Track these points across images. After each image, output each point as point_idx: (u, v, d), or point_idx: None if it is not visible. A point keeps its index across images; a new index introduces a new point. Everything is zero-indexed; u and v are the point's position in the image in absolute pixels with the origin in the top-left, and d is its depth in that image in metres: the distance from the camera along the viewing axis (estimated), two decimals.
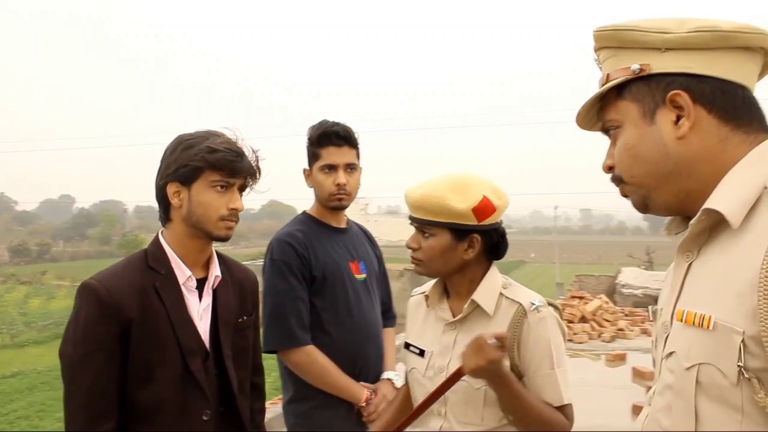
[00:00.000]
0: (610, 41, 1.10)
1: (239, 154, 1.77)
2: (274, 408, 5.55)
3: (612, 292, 17.99)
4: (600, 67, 1.16)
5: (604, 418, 5.49)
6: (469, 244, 1.78)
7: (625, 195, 1.14)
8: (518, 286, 1.85)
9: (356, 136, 2.47)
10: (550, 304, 1.80)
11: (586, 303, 10.78)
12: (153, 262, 1.78)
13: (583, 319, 9.98)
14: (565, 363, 1.77)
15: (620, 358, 7.78)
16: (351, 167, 2.45)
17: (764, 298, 0.86)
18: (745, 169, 0.98)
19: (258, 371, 2.04)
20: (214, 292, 1.86)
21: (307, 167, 2.51)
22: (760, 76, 1.07)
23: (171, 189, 1.77)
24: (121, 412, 1.68)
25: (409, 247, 1.82)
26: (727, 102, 1.01)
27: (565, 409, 1.75)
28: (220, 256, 1.94)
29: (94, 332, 1.65)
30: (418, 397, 1.84)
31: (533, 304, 1.76)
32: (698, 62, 1.02)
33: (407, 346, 1.93)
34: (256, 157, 1.84)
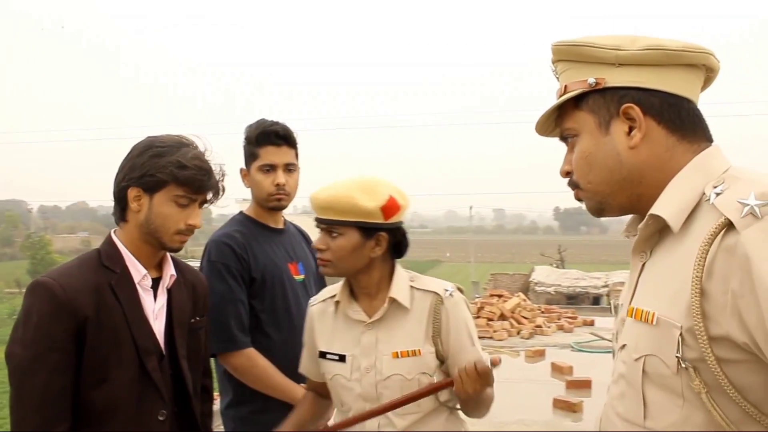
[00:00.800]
0: (568, 55, 1.19)
1: (207, 171, 1.78)
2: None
3: (526, 289, 18.55)
4: (557, 78, 1.24)
5: (525, 412, 5.64)
6: (376, 242, 1.83)
7: (579, 199, 1.24)
8: (423, 277, 1.94)
9: (295, 135, 2.45)
10: (458, 288, 1.92)
11: (505, 301, 11.03)
12: (107, 260, 1.75)
13: (502, 317, 10.21)
14: (477, 339, 1.93)
15: (539, 354, 8.00)
16: (290, 167, 2.44)
17: (696, 296, 0.95)
18: (686, 176, 1.08)
19: (207, 374, 2.03)
20: (169, 292, 1.85)
21: (244, 167, 2.48)
22: (702, 89, 1.18)
23: (132, 193, 1.75)
24: (73, 415, 1.64)
25: (317, 249, 1.86)
26: (674, 114, 1.11)
27: None
28: (172, 257, 1.92)
29: (48, 331, 1.61)
30: (347, 401, 1.88)
31: (447, 290, 1.88)
32: (648, 77, 1.11)
33: (323, 355, 1.94)
34: (222, 174, 1.85)
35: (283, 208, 2.49)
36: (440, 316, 1.84)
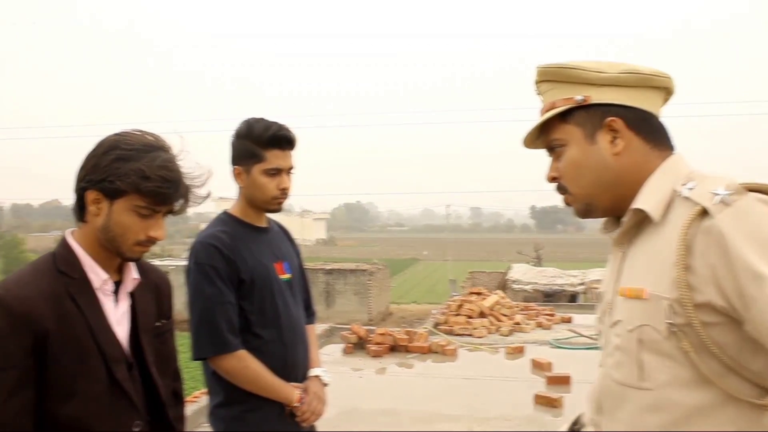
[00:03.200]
0: (555, 76, 1.38)
1: (173, 182, 1.62)
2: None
3: (503, 287, 18.68)
4: (540, 97, 1.43)
5: (507, 408, 5.74)
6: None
7: (568, 204, 1.42)
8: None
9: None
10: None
11: (484, 299, 11.16)
12: (63, 265, 1.63)
13: (482, 314, 10.33)
14: None
15: (519, 351, 8.12)
16: (291, 171, 2.47)
17: (681, 271, 1.15)
18: (658, 177, 1.30)
19: (177, 377, 1.94)
20: (132, 296, 1.74)
21: (238, 165, 2.44)
22: (662, 107, 1.40)
23: (91, 196, 1.61)
24: None
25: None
26: (647, 127, 1.33)
27: None
28: None
29: (4, 348, 1.49)
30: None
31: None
32: (626, 96, 1.32)
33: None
34: (207, 177, 1.72)
35: (281, 210, 2.52)
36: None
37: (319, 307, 19.21)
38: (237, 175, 2.44)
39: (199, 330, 2.32)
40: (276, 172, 2.39)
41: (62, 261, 1.63)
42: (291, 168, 2.45)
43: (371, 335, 8.26)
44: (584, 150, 1.34)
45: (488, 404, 5.93)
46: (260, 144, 2.37)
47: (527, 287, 19.69)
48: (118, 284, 1.71)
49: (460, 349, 8.20)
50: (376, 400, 6.09)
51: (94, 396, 1.57)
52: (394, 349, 8.09)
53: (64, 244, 1.66)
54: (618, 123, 1.31)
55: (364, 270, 21.71)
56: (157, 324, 1.80)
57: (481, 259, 50.59)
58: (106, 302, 1.66)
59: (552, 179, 1.42)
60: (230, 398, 2.37)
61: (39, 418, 1.53)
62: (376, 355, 7.88)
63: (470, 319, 10.10)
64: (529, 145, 1.47)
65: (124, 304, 1.71)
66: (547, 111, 1.38)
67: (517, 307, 12.00)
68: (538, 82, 1.42)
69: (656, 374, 1.20)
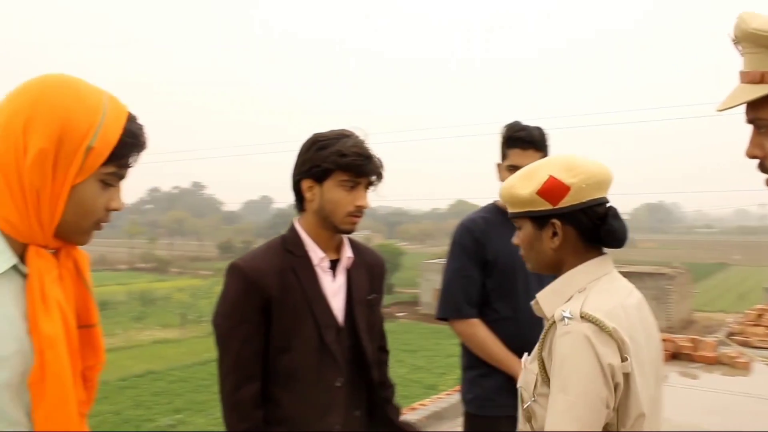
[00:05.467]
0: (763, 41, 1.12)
1: (367, 157, 1.94)
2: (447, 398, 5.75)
3: None
4: (740, 53, 1.18)
5: None
6: (553, 231, 1.58)
7: None
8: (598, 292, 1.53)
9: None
10: (588, 318, 1.44)
11: None
12: (290, 246, 2.00)
13: None
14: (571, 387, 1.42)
15: None
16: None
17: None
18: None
19: (383, 349, 2.26)
20: (348, 272, 2.05)
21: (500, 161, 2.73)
22: None
23: (305, 185, 1.97)
24: (264, 377, 1.92)
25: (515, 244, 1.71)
26: None
27: None
28: (350, 240, 2.13)
29: (241, 306, 1.90)
30: None
31: (565, 315, 1.47)
32: None
33: None
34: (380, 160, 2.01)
35: None
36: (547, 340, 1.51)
37: None
38: (499, 170, 2.75)
39: (442, 296, 2.73)
40: (514, 169, 2.54)
41: (289, 242, 2.01)
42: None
43: None
44: None
45: None
46: (506, 143, 2.68)
47: None
48: (337, 262, 2.04)
49: (756, 364, 7.39)
50: None
51: (305, 353, 1.93)
52: (676, 356, 7.55)
53: (291, 228, 2.05)
54: None
55: (664, 274, 20.44)
56: (368, 297, 2.10)
57: None
58: (324, 277, 2.00)
59: (753, 156, 1.22)
60: (470, 363, 2.72)
61: (264, 367, 1.93)
62: None
63: None
64: (723, 109, 1.24)
65: (341, 278, 2.04)
66: (753, 80, 1.15)
67: None
68: (738, 39, 1.18)
69: None
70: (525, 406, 1.54)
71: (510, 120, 2.73)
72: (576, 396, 1.37)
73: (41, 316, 1.21)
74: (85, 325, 1.37)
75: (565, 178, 1.54)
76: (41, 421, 1.23)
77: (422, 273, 32.21)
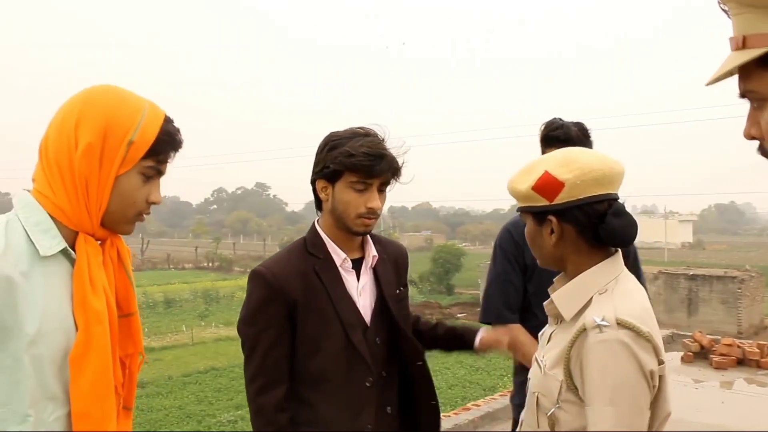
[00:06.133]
0: None
1: (377, 156, 1.88)
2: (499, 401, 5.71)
3: None
4: (727, 14, 1.02)
5: None
6: (550, 228, 1.54)
7: None
8: (625, 296, 1.48)
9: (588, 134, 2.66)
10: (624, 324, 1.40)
11: None
12: (312, 248, 1.99)
13: None
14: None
15: None
16: None
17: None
18: None
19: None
20: (375, 270, 2.04)
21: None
22: None
23: (319, 185, 1.97)
24: (292, 379, 1.91)
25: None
26: None
27: None
28: (373, 236, 2.09)
29: (264, 313, 1.90)
30: None
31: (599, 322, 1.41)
32: None
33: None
34: (400, 158, 1.94)
35: None
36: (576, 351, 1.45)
37: (679, 314, 18.10)
38: None
39: (484, 300, 2.77)
40: None
41: (311, 244, 2.01)
42: None
43: (716, 345, 7.58)
44: None
45: None
46: (542, 141, 2.68)
47: None
48: (361, 260, 2.02)
49: None
50: (710, 415, 5.60)
51: (333, 354, 1.92)
52: (742, 362, 7.30)
53: (313, 230, 2.04)
54: None
55: (734, 277, 19.73)
56: (397, 291, 2.09)
57: None
58: (348, 277, 1.98)
59: (750, 137, 1.04)
60: (517, 368, 2.73)
61: (294, 369, 1.92)
62: (720, 367, 7.21)
63: None
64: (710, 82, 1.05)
65: (366, 277, 2.02)
66: (738, 46, 0.98)
67: None
68: (725, 1, 1.00)
69: None
70: (548, 413, 1.50)
71: (576, 119, 2.70)
72: (626, 407, 1.35)
73: (89, 295, 1.34)
74: (125, 314, 1.46)
75: (560, 174, 1.49)
76: (80, 395, 1.32)
77: (483, 274, 31.89)
